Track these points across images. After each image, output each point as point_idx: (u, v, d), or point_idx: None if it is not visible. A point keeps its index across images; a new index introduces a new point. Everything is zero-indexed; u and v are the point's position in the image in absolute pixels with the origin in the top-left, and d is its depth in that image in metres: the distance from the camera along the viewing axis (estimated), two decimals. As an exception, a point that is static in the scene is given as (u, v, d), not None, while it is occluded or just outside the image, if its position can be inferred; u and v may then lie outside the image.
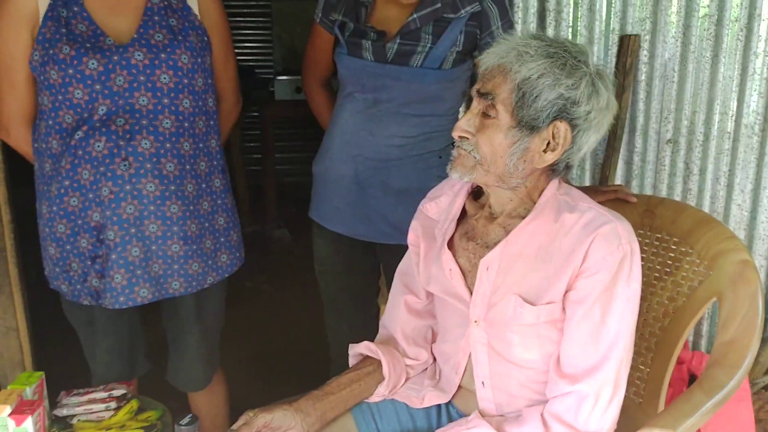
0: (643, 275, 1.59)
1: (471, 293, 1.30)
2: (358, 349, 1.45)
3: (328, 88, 1.94)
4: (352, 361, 1.46)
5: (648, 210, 1.64)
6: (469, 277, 1.32)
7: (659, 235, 1.60)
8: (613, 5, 2.12)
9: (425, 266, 1.41)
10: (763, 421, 2.30)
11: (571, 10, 2.10)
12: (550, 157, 1.22)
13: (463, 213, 1.37)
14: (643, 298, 1.59)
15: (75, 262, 1.58)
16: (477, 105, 1.23)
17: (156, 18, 1.54)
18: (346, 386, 1.39)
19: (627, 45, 2.10)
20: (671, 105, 2.19)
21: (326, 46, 1.82)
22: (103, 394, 1.54)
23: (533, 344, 1.26)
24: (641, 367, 1.57)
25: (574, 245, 1.20)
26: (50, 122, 1.52)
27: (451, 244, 1.36)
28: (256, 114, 4.95)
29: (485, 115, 1.21)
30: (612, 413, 1.19)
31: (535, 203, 1.27)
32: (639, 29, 2.13)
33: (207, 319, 1.76)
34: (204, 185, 1.63)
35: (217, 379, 1.89)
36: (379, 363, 1.42)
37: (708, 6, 2.12)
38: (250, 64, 5.40)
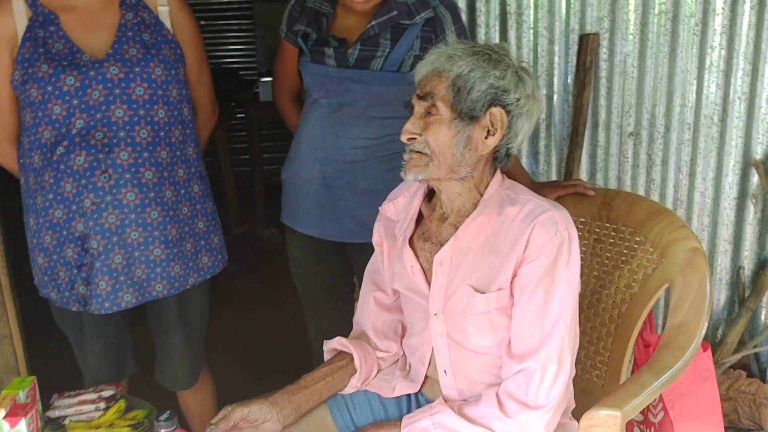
0: (602, 264, 1.70)
1: (430, 289, 1.39)
2: (331, 345, 1.54)
3: (299, 104, 1.99)
4: (326, 357, 1.55)
5: (605, 202, 1.72)
6: (428, 274, 1.40)
7: (615, 226, 1.68)
8: (571, 6, 2.20)
9: (389, 264, 1.50)
10: (733, 399, 2.39)
11: (532, 12, 2.18)
12: (492, 141, 1.32)
13: (421, 215, 1.46)
14: (602, 286, 1.68)
15: (62, 270, 1.65)
16: (418, 108, 1.34)
17: (129, 34, 1.61)
18: (320, 380, 1.47)
19: (586, 44, 2.18)
20: (632, 99, 2.27)
21: (293, 60, 1.89)
22: (93, 396, 1.60)
23: (487, 332, 1.35)
24: (602, 351, 1.65)
25: (517, 235, 1.30)
26: (32, 138, 1.60)
27: (411, 245, 1.44)
28: (242, 115, 5.02)
29: (428, 114, 1.32)
30: (558, 388, 1.27)
31: (481, 198, 1.36)
32: (598, 28, 2.21)
33: (190, 320, 1.83)
34: (183, 191, 1.71)
35: (204, 378, 1.97)
36: (351, 357, 1.50)
37: (664, 3, 2.20)
38: (234, 66, 5.47)
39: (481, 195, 1.36)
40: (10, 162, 1.69)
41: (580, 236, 1.75)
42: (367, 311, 1.56)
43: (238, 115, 5.07)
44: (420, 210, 1.46)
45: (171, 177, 1.67)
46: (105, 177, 1.58)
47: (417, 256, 1.43)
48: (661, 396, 2.03)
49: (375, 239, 1.55)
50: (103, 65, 1.56)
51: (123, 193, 1.59)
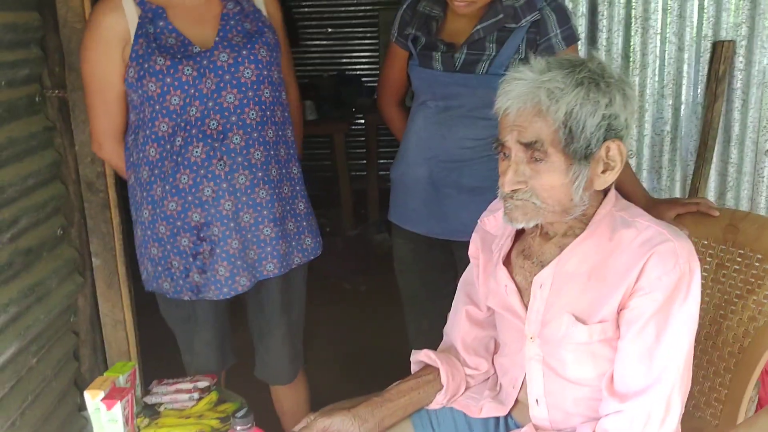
0: (724, 292, 1.55)
1: (526, 310, 1.31)
2: (418, 357, 1.48)
3: (404, 108, 2.03)
4: (413, 368, 1.50)
5: (731, 224, 1.58)
6: (525, 294, 1.32)
7: (742, 252, 1.54)
8: (705, 10, 2.05)
9: (484, 280, 1.43)
10: None
11: (660, 16, 2.05)
12: (611, 177, 1.21)
13: (521, 229, 1.37)
14: (723, 317, 1.54)
15: (176, 260, 1.70)
16: (519, 154, 1.19)
17: (232, 23, 1.68)
18: (406, 394, 1.42)
19: (720, 52, 2.03)
20: (771, 114, 2.09)
21: (401, 64, 1.92)
22: (189, 385, 1.65)
23: (587, 362, 1.25)
24: (719, 388, 1.52)
25: (630, 263, 1.19)
26: (147, 132, 1.65)
27: (508, 261, 1.37)
28: (361, 121, 5.09)
29: (533, 159, 1.18)
30: None
31: (591, 218, 1.26)
32: (734, 35, 2.05)
33: (292, 312, 1.86)
34: (284, 170, 1.76)
35: (300, 377, 1.99)
36: (438, 371, 1.44)
37: (814, 9, 2.00)
38: (357, 72, 5.55)
39: (590, 217, 1.26)
40: (117, 160, 1.76)
41: (700, 260, 1.61)
42: (458, 325, 1.50)
43: (358, 121, 5.15)
44: None
45: (276, 156, 1.72)
46: (221, 165, 1.63)
47: (514, 274, 1.35)
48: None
49: (471, 251, 1.49)
50: (213, 53, 1.62)
51: (236, 177, 1.65)
